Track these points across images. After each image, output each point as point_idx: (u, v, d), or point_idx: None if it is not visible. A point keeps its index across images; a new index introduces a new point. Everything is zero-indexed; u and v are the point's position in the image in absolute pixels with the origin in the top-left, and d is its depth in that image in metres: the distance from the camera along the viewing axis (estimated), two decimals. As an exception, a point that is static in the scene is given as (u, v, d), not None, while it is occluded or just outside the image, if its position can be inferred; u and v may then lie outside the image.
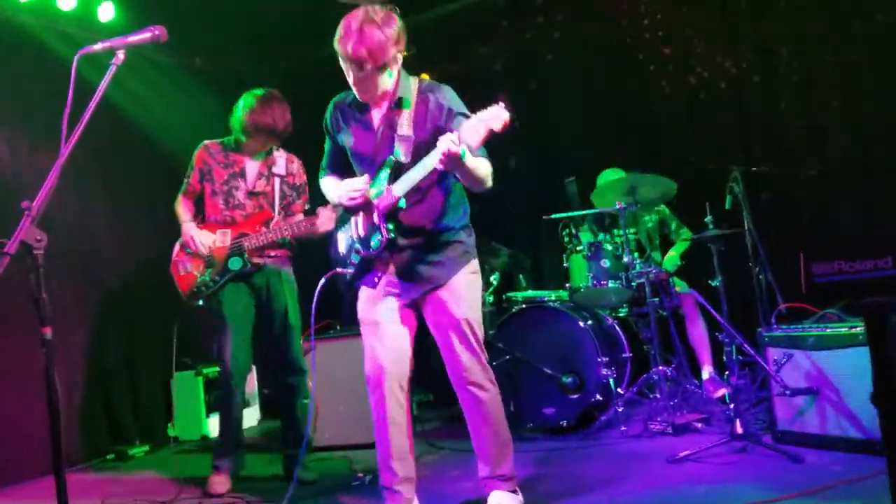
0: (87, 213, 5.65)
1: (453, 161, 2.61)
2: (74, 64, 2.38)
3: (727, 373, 4.11)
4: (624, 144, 6.09)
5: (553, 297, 5.10)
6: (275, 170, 4.23)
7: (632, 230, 4.96)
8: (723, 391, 4.60)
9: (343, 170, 3.21)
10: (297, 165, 4.34)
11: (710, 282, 4.55)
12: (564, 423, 4.59)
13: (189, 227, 4.21)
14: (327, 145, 3.25)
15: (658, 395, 4.47)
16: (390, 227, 2.90)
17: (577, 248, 4.87)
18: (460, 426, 5.05)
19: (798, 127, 5.41)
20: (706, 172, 4.90)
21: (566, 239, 5.03)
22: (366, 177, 2.97)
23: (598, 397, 4.54)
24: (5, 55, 5.17)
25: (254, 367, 6.28)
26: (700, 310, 4.99)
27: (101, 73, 2.41)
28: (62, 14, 5.39)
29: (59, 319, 5.10)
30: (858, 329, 3.44)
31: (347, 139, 3.07)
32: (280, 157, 4.28)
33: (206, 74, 6.58)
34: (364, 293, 3.11)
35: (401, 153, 2.87)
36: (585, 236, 5.24)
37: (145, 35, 2.51)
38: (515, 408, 4.74)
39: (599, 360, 4.52)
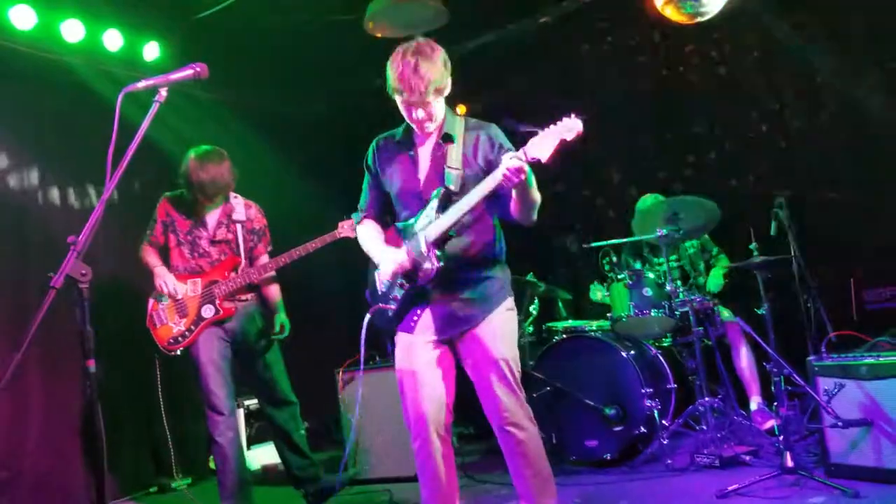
0: (130, 249, 5.72)
1: (518, 178, 2.60)
2: (119, 101, 2.43)
3: (776, 404, 4.00)
4: (666, 171, 6.04)
5: (595, 327, 5.03)
6: (234, 216, 4.43)
7: (673, 257, 4.88)
8: (772, 423, 4.47)
9: (383, 212, 3.20)
10: (255, 210, 4.54)
11: (756, 310, 4.45)
12: (608, 455, 4.50)
13: (162, 271, 4.35)
14: (366, 185, 3.22)
15: (704, 427, 4.36)
16: (440, 254, 2.86)
17: (619, 277, 4.81)
18: (501, 459, 5.02)
19: (843, 151, 5.31)
20: (750, 198, 4.82)
21: (607, 267, 4.97)
22: (404, 253, 2.94)
23: (643, 429, 4.45)
24: (56, 94, 5.33)
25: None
26: (746, 339, 4.89)
27: (143, 112, 2.47)
28: (109, 54, 5.53)
29: (105, 353, 5.20)
30: (914, 358, 3.33)
31: (393, 177, 3.06)
32: (238, 203, 4.46)
33: (246, 111, 6.67)
34: (401, 341, 3.06)
35: (452, 183, 2.88)
36: (634, 266, 5.19)
37: (187, 72, 2.56)
38: (557, 440, 4.68)
39: (643, 391, 4.43)
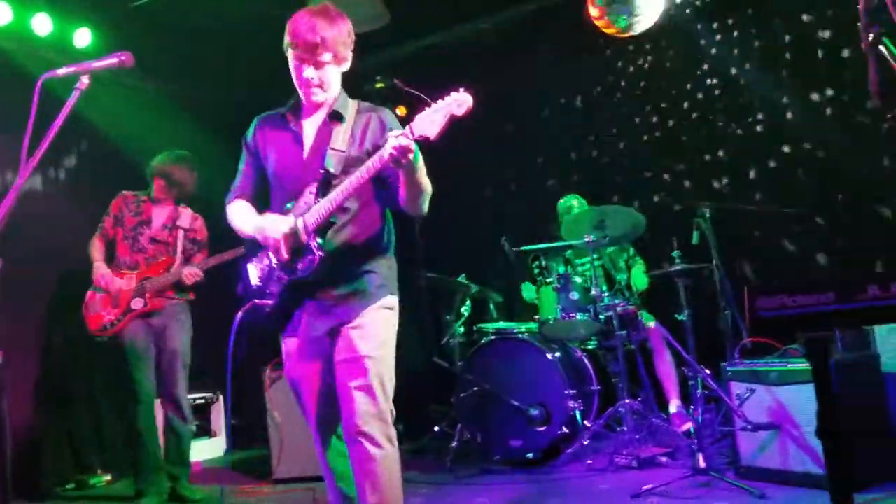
0: (54, 237, 5.60)
1: (404, 158, 2.38)
2: (37, 88, 2.39)
3: (692, 407, 4.14)
4: (594, 178, 6.18)
5: (523, 329, 5.11)
6: (179, 222, 4.72)
7: (595, 256, 5.00)
8: (688, 425, 4.60)
9: (257, 194, 2.91)
10: (200, 223, 4.83)
11: (676, 316, 4.59)
12: (531, 455, 4.58)
13: (100, 266, 4.61)
14: (242, 165, 2.93)
15: (625, 429, 4.48)
16: (321, 242, 2.60)
17: (548, 281, 4.91)
18: (428, 458, 5.11)
19: (761, 165, 5.51)
20: (674, 208, 4.97)
21: (536, 271, 5.06)
22: (291, 218, 2.64)
23: (565, 430, 4.54)
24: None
25: (220, 398, 6.24)
26: (667, 343, 5.03)
27: (84, 99, 2.46)
28: (38, 39, 5.40)
29: (20, 344, 5.10)
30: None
31: (273, 155, 2.80)
32: (185, 213, 4.77)
33: (186, 102, 6.59)
34: (286, 346, 2.81)
35: (332, 165, 2.64)
36: (558, 268, 5.30)
37: (111, 60, 2.51)
38: (483, 440, 4.75)
39: (566, 392, 4.53)
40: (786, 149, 5.38)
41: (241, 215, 2.84)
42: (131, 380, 4.53)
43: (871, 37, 1.51)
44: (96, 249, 4.68)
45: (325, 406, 2.73)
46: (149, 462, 4.53)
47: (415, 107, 2.51)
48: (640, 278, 5.26)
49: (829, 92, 5.17)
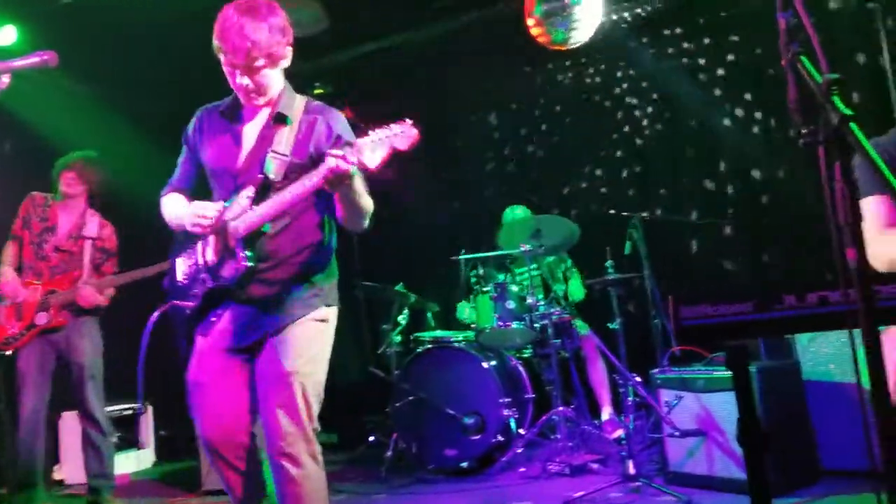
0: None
1: (341, 179, 2.28)
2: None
3: (623, 414, 4.21)
4: (532, 188, 6.26)
5: (460, 338, 5.13)
6: (85, 231, 4.50)
7: (534, 266, 5.06)
8: (620, 432, 4.68)
9: (192, 188, 2.78)
10: (109, 231, 4.60)
11: (609, 324, 4.67)
12: (465, 464, 4.59)
13: (6, 272, 4.40)
14: (181, 159, 2.80)
15: (558, 436, 4.53)
16: (249, 254, 2.44)
17: (484, 290, 4.94)
18: (364, 468, 5.07)
19: (693, 177, 5.66)
20: (607, 218, 5.07)
21: (473, 280, 5.10)
22: (220, 203, 2.53)
23: (500, 438, 4.57)
24: None
25: (150, 409, 6.10)
26: (600, 352, 5.11)
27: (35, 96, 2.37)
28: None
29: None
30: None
31: (210, 153, 2.64)
32: (93, 220, 4.56)
33: (111, 101, 6.43)
34: (196, 345, 2.61)
35: (272, 171, 2.48)
36: (498, 276, 5.35)
37: (34, 60, 2.42)
38: (417, 449, 4.74)
39: (501, 400, 4.55)
40: (718, 163, 5.54)
41: (172, 206, 2.70)
42: (17, 401, 4.36)
43: (789, 55, 1.56)
44: (7, 254, 4.47)
45: (227, 419, 2.52)
46: (22, 478, 4.36)
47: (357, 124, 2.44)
48: (577, 290, 5.34)
49: (757, 108, 5.35)
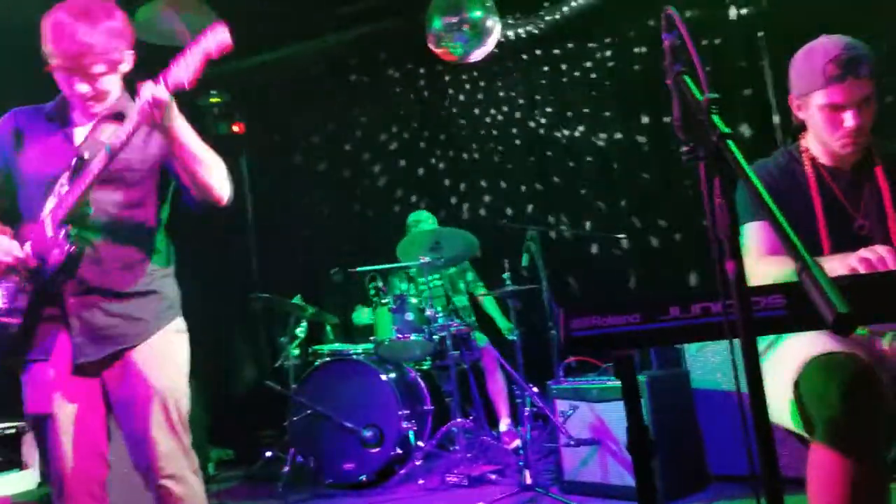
0: None
1: (157, 112, 2.07)
2: None
3: (521, 424, 4.26)
4: (431, 198, 6.30)
5: (359, 350, 5.09)
6: None
7: (436, 276, 5.06)
8: (517, 442, 4.73)
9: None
10: None
11: (508, 336, 4.72)
12: (364, 477, 4.55)
13: None
14: None
15: (457, 448, 4.54)
16: (72, 233, 2.22)
17: (383, 301, 4.92)
18: (261, 485, 4.96)
19: (588, 190, 5.82)
20: (505, 231, 5.15)
21: (372, 292, 5.07)
22: (21, 245, 2.30)
23: (398, 450, 4.55)
24: None
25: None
26: (498, 363, 5.16)
27: None
28: None
29: None
30: (635, 382, 3.68)
31: (35, 158, 2.34)
32: None
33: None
34: (33, 374, 2.31)
35: (87, 152, 2.26)
36: (401, 286, 5.36)
37: None
38: (315, 464, 4.68)
39: (400, 413, 4.54)
40: (612, 176, 5.72)
41: None
42: None
43: (673, 74, 1.61)
44: None
45: (83, 457, 2.28)
46: None
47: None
48: (504, 324, 5.40)
49: (647, 121, 5.55)
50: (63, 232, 2.22)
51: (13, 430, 5.61)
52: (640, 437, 1.85)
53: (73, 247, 2.22)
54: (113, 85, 2.33)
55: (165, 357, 2.36)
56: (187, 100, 6.49)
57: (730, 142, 1.43)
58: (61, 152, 2.33)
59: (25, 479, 5.69)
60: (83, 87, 2.26)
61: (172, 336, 2.41)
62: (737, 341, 1.47)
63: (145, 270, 2.38)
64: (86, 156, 2.25)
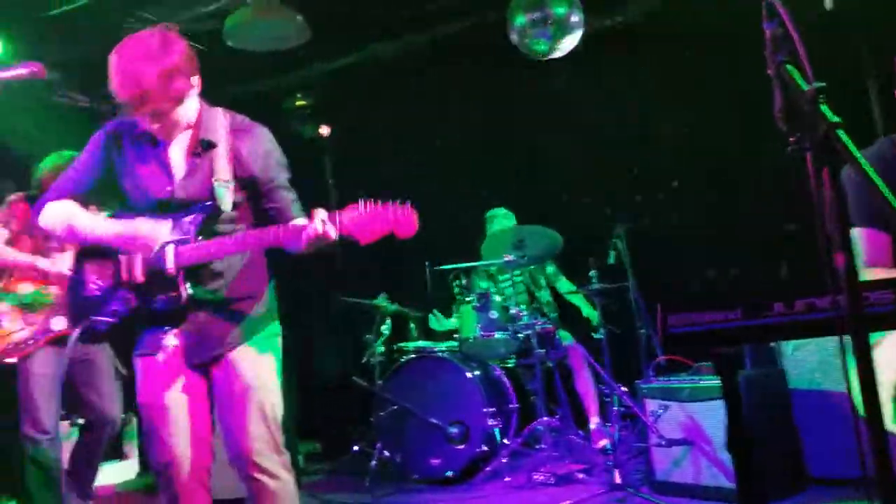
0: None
1: (318, 242, 2.20)
2: (-62, 97, 2.28)
3: (609, 423, 4.21)
4: (514, 198, 6.27)
5: (443, 348, 5.12)
6: None
7: (517, 272, 5.05)
8: (605, 442, 4.69)
9: (86, 196, 2.52)
10: None
11: (593, 334, 4.68)
12: (450, 473, 4.57)
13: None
14: (81, 161, 2.53)
15: (543, 446, 4.52)
16: (192, 289, 2.35)
17: (467, 299, 4.94)
18: (348, 478, 5.04)
19: (674, 187, 5.71)
20: (591, 228, 5.09)
21: (456, 290, 5.09)
22: (169, 223, 2.37)
23: (484, 448, 4.56)
24: None
25: (134, 419, 6.04)
26: (586, 362, 5.11)
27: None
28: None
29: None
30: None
31: (132, 176, 2.45)
32: None
33: (104, 117, 6.43)
34: (143, 366, 2.45)
35: (223, 201, 2.37)
36: (482, 284, 5.37)
37: (20, 71, 2.40)
38: (402, 459, 4.72)
39: (486, 410, 4.54)
40: (700, 170, 5.59)
41: (79, 216, 2.45)
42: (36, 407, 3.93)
43: (775, 64, 1.57)
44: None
45: (191, 445, 2.40)
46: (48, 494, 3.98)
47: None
48: (591, 314, 5.37)
49: (736, 116, 5.40)
50: (184, 284, 2.34)
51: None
52: (741, 436, 1.81)
53: (190, 294, 2.35)
54: (183, 113, 2.38)
55: (263, 358, 2.47)
56: (273, 104, 6.69)
57: (840, 132, 1.38)
58: (156, 173, 2.42)
59: (126, 469, 5.96)
60: (154, 125, 2.34)
61: (270, 339, 2.53)
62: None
63: (251, 277, 2.50)
64: (223, 207, 2.36)
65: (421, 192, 6.74)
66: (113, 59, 2.25)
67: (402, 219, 2.23)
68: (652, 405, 3.91)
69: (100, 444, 4.06)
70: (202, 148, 2.42)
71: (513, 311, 4.68)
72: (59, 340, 3.91)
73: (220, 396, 2.44)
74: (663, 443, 3.75)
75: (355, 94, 6.91)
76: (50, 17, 5.25)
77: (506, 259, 4.64)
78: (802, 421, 3.71)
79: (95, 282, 2.43)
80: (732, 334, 1.69)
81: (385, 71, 6.67)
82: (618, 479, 3.78)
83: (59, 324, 3.89)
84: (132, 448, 6.15)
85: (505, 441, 4.62)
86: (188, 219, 2.37)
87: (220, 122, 2.46)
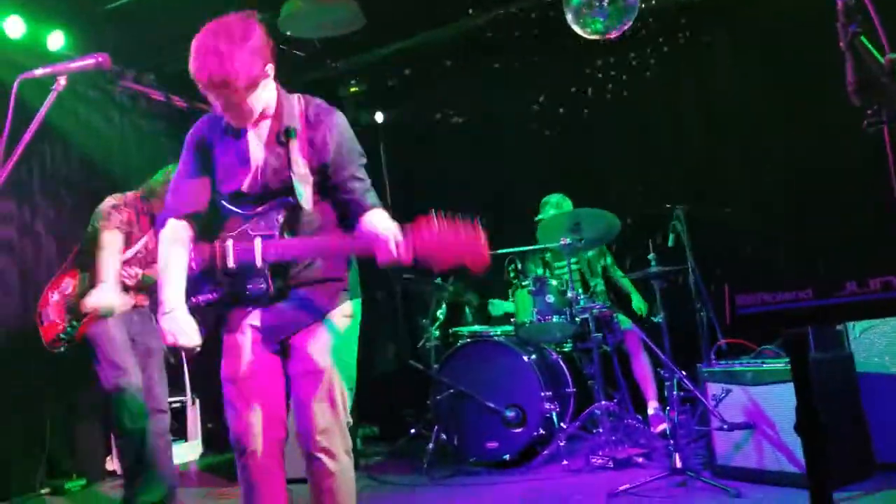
0: (29, 240, 5.55)
1: (388, 262, 2.17)
2: (14, 88, 2.34)
3: (668, 408, 4.16)
4: (570, 181, 6.22)
5: (499, 332, 5.12)
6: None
7: (574, 259, 5.02)
8: (664, 426, 4.65)
9: (199, 211, 2.56)
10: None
11: (652, 318, 4.62)
12: (507, 457, 4.58)
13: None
14: (184, 171, 2.57)
15: (600, 430, 4.49)
16: (278, 281, 2.41)
17: (523, 284, 4.92)
18: (405, 461, 5.09)
19: (735, 164, 5.59)
20: (649, 211, 5.02)
21: (512, 274, 5.08)
22: (230, 244, 2.42)
23: (541, 431, 4.55)
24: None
25: (197, 401, 6.20)
26: (644, 346, 5.06)
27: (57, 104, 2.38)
28: (10, 42, 5.31)
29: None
30: (792, 365, 3.52)
31: (219, 168, 2.51)
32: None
33: (155, 106, 6.56)
34: (227, 343, 2.54)
35: (303, 197, 2.39)
36: (536, 270, 5.36)
37: (88, 61, 2.46)
38: (458, 442, 4.75)
39: (542, 394, 4.54)
40: (759, 150, 5.47)
41: (163, 254, 2.51)
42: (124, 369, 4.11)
43: (848, 36, 1.53)
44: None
45: (266, 419, 2.47)
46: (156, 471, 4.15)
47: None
48: (638, 302, 5.33)
49: (801, 94, 5.27)
50: (271, 279, 2.39)
51: (179, 404, 6.02)
52: (812, 419, 1.77)
53: (277, 287, 2.40)
54: (261, 98, 2.38)
55: (332, 339, 2.49)
56: (329, 90, 6.74)
57: (921, 103, 1.34)
58: (240, 169, 2.47)
59: (191, 449, 6.12)
60: (228, 112, 2.36)
61: (341, 320, 2.53)
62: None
63: (334, 261, 2.53)
64: (303, 203, 2.38)
65: (475, 176, 6.84)
66: (195, 41, 2.28)
67: (476, 253, 2.12)
68: (714, 389, 3.85)
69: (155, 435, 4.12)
70: (284, 137, 2.43)
71: (570, 294, 4.65)
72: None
73: (293, 374, 2.48)
74: (725, 427, 3.70)
75: (410, 79, 6.91)
76: (109, 10, 5.37)
77: (563, 242, 4.60)
78: (870, 406, 3.61)
79: (194, 263, 2.51)
80: (805, 314, 1.65)
81: (439, 56, 6.66)
82: (678, 464, 3.73)
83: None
84: (196, 429, 6.30)
85: (562, 425, 4.61)
86: (275, 213, 2.41)
87: (296, 106, 2.47)
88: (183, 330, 2.40)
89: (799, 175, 5.31)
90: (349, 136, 2.50)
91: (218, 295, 2.48)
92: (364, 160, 2.51)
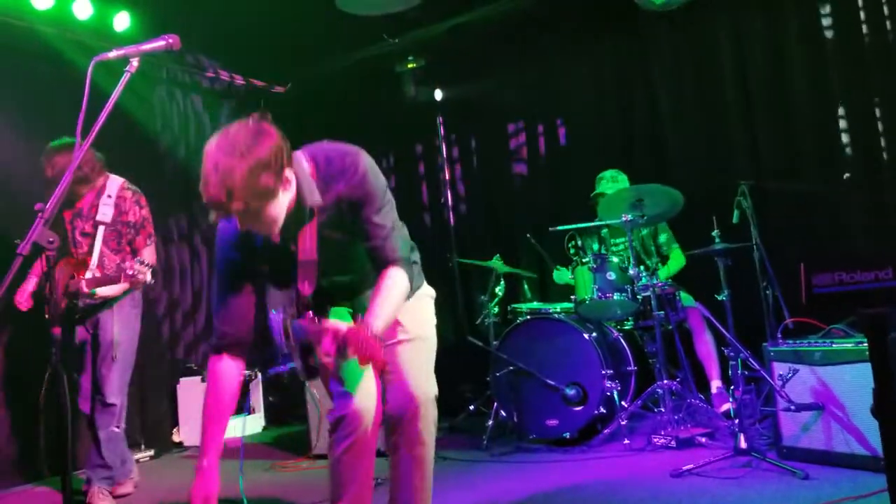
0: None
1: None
2: (90, 71, 2.37)
3: (732, 387, 4.10)
4: (631, 156, 6.13)
5: (558, 309, 5.10)
6: (99, 217, 4.21)
7: (631, 236, 4.97)
8: (728, 406, 4.58)
9: (252, 334, 2.54)
10: (129, 202, 4.28)
11: (716, 296, 4.55)
12: (567, 434, 4.58)
13: None
14: (223, 283, 2.50)
15: (662, 409, 4.45)
16: (313, 365, 2.54)
17: (584, 261, 4.88)
18: (465, 436, 5.13)
19: (806, 140, 5.44)
20: (714, 186, 4.93)
21: (572, 251, 5.05)
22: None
23: (602, 410, 4.54)
24: (26, 63, 5.30)
25: (259, 375, 6.34)
26: (707, 324, 4.98)
27: (116, 82, 2.37)
28: (79, 23, 5.45)
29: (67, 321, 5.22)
30: (865, 345, 3.42)
31: (261, 260, 2.49)
32: (106, 204, 4.23)
33: (219, 88, 6.68)
34: None
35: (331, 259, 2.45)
36: (593, 247, 5.31)
37: (159, 43, 2.50)
38: (518, 419, 4.76)
39: (603, 372, 4.52)
40: (831, 124, 5.31)
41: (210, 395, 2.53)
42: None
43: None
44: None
45: (369, 398, 2.52)
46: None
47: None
48: (675, 262, 5.25)
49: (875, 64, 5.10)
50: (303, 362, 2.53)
51: (242, 378, 6.16)
52: (891, 401, 1.73)
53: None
54: (277, 210, 2.22)
55: (421, 312, 2.70)
56: (386, 66, 6.75)
57: None
58: (282, 258, 2.42)
59: (254, 423, 6.28)
60: (250, 226, 2.23)
61: (425, 298, 2.77)
62: None
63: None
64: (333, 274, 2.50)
65: (533, 153, 6.81)
66: (203, 155, 2.12)
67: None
68: (780, 368, 3.77)
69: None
70: (305, 221, 2.36)
71: (631, 272, 4.60)
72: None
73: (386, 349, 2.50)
74: (792, 407, 3.63)
75: (468, 55, 6.87)
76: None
77: (624, 219, 4.55)
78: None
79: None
80: (885, 294, 1.61)
81: (497, 31, 6.61)
82: (743, 444, 3.68)
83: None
84: (258, 403, 6.45)
85: (623, 404, 4.59)
86: (303, 300, 2.42)
87: (313, 184, 2.34)
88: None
89: (869, 152, 5.15)
90: (363, 179, 2.36)
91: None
92: (381, 202, 2.39)
